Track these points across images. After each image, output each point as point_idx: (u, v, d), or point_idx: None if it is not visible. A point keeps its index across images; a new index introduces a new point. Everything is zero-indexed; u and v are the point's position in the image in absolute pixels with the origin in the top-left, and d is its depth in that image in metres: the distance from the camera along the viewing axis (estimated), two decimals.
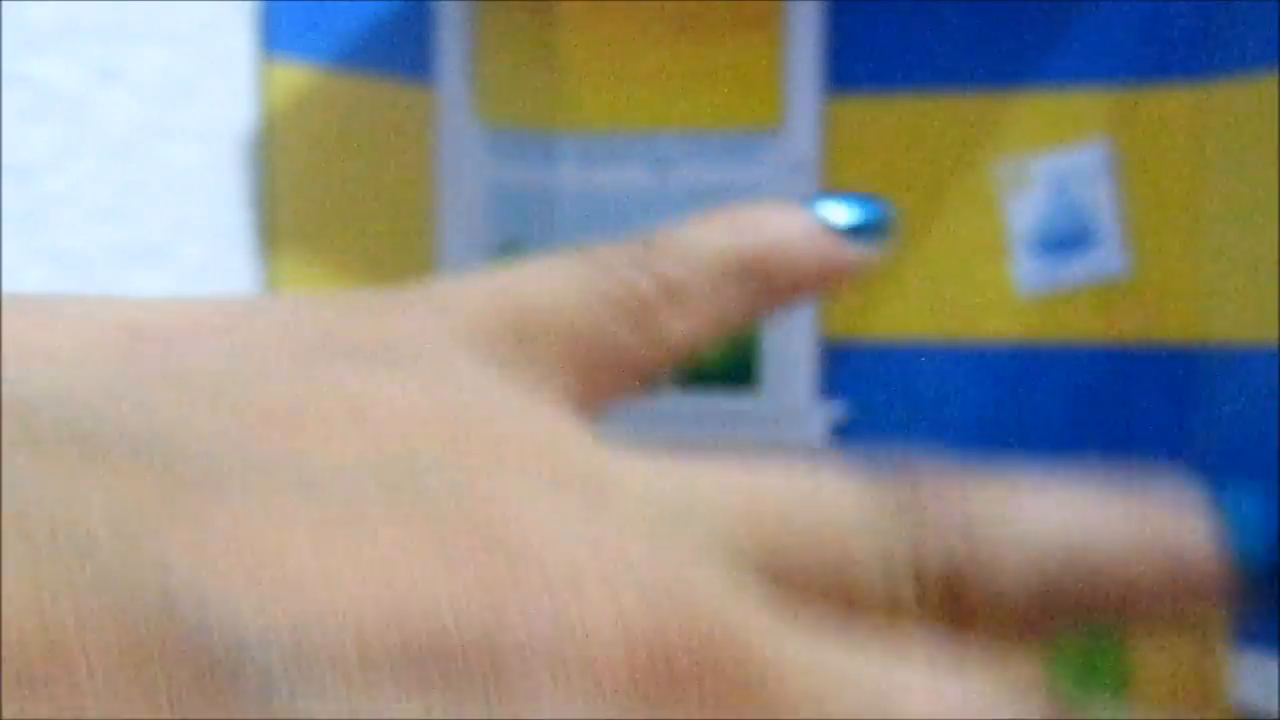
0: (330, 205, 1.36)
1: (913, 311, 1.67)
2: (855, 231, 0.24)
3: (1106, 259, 1.50)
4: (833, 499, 0.19)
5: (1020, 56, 1.52)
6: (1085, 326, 1.51)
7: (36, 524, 0.13)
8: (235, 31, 1.16)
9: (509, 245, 1.58)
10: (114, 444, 0.14)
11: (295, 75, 1.29)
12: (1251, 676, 1.42)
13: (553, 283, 0.20)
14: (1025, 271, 1.50)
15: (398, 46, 1.45)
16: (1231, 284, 1.43)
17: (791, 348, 1.75)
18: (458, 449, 0.15)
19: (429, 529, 0.14)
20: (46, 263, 0.93)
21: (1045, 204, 1.51)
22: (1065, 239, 1.51)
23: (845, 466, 0.20)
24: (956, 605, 0.19)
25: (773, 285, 0.23)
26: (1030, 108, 1.51)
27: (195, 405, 0.15)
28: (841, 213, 0.24)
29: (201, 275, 1.09)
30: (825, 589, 0.19)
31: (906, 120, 1.55)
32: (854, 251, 0.24)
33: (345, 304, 0.18)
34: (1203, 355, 1.47)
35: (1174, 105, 1.47)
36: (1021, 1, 1.50)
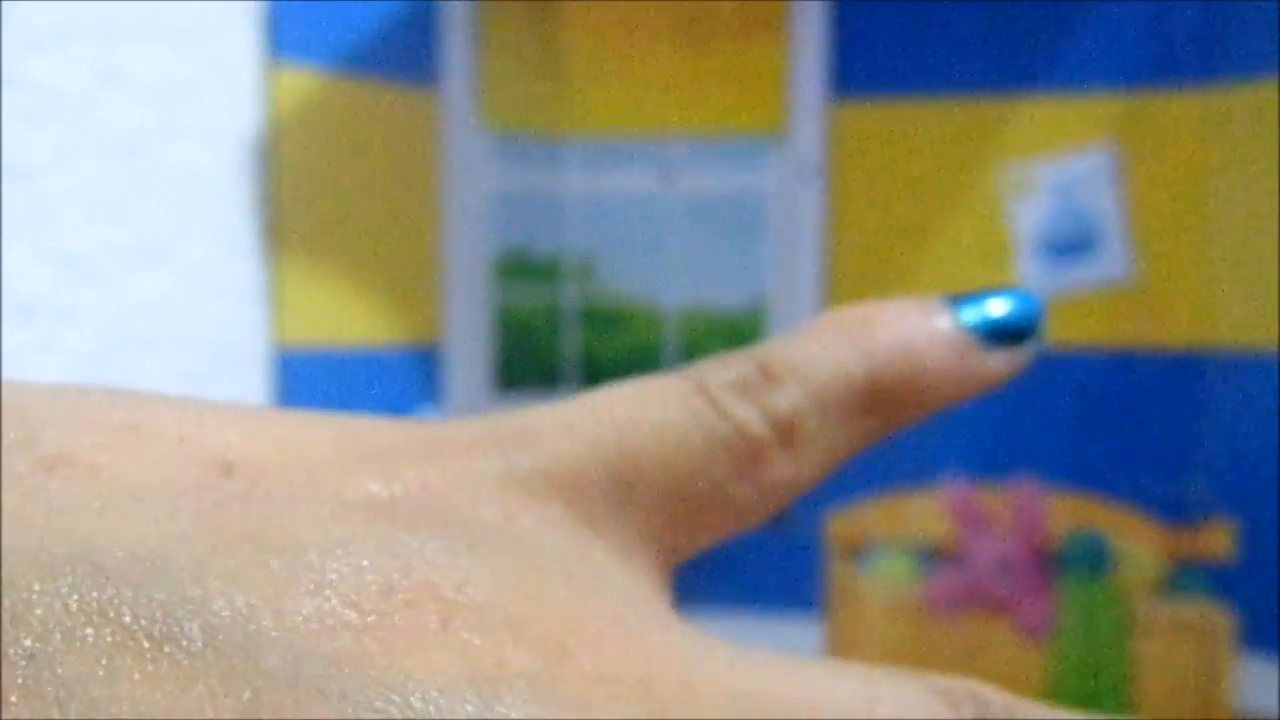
0: (334, 208, 1.36)
1: None
2: (1000, 334, 0.21)
3: (1111, 264, 1.50)
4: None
5: (1025, 61, 1.52)
6: (1090, 331, 1.50)
7: None
8: (240, 34, 1.16)
9: (513, 249, 1.58)
10: (193, 635, 0.13)
11: (300, 79, 1.29)
12: (1255, 680, 1.42)
13: (659, 422, 0.19)
14: (1030, 276, 1.50)
15: (403, 51, 1.45)
16: (1237, 289, 1.43)
17: None
18: (546, 667, 0.15)
19: None
20: (48, 264, 0.93)
21: (1050, 209, 1.51)
22: (1070, 244, 1.51)
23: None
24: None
25: (901, 411, 0.21)
26: (1035, 113, 1.51)
27: (282, 588, 0.14)
28: (984, 313, 0.21)
29: (204, 277, 1.09)
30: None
31: (911, 125, 1.54)
32: (998, 362, 0.21)
33: (438, 444, 0.18)
34: (1208, 360, 1.46)
35: (1180, 110, 1.47)
36: (1026, 6, 1.50)
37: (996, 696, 0.17)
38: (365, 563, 0.15)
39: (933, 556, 1.55)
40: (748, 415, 0.19)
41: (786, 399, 0.20)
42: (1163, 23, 1.45)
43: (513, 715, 0.14)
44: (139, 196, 1.00)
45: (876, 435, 0.21)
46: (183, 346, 1.09)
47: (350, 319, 1.41)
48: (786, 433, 0.20)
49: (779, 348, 0.21)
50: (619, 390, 0.19)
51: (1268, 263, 1.37)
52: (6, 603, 0.13)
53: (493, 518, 0.17)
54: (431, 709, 0.13)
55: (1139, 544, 1.50)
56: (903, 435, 0.21)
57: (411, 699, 0.13)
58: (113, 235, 0.98)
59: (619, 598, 0.17)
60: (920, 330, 0.21)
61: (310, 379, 1.35)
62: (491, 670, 0.14)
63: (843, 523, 1.55)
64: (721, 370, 0.20)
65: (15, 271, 0.90)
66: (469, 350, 1.57)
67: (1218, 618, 1.47)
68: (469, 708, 0.14)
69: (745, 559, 1.56)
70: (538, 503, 0.17)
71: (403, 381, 1.49)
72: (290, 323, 1.31)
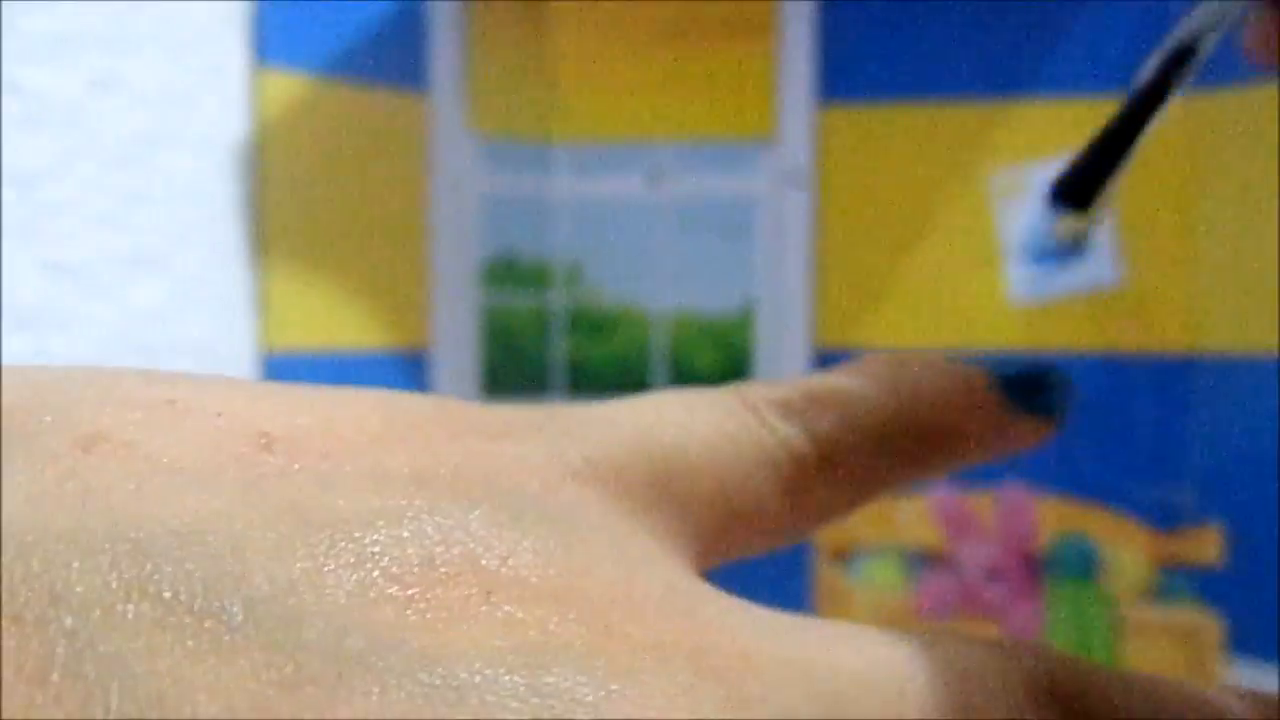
0: (322, 213, 1.36)
1: (905, 321, 1.67)
2: (1030, 397, 0.22)
3: (1100, 269, 1.50)
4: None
5: (1014, 66, 1.52)
6: (1079, 336, 1.51)
7: (144, 708, 0.12)
8: (228, 40, 1.16)
9: (501, 254, 1.58)
10: (234, 610, 0.13)
11: (288, 84, 1.29)
12: (1243, 684, 1.42)
13: (705, 427, 0.19)
14: (1019, 281, 1.50)
15: (390, 55, 1.44)
16: (1226, 294, 1.43)
17: (783, 356, 1.75)
18: (592, 639, 0.14)
19: None
20: (42, 271, 0.92)
21: (1039, 213, 1.51)
22: (1059, 249, 1.51)
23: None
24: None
25: (932, 458, 0.21)
26: (1024, 117, 1.51)
27: (323, 561, 0.14)
28: (1014, 380, 0.22)
29: (195, 283, 1.09)
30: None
31: (900, 130, 1.55)
32: (1027, 428, 0.22)
33: (480, 421, 0.18)
34: (1197, 365, 1.47)
35: (1169, 115, 1.47)
36: (1014, 11, 1.50)
37: (1058, 654, 0.17)
38: (406, 535, 0.15)
39: (921, 561, 1.55)
40: (792, 432, 0.20)
41: (829, 423, 0.20)
42: (1151, 27, 1.45)
43: (561, 685, 0.14)
44: (132, 204, 1.00)
45: (906, 478, 0.21)
46: (174, 352, 1.09)
47: (338, 324, 1.41)
48: (827, 456, 0.20)
49: (822, 378, 0.21)
50: (666, 395, 0.20)
51: (1256, 268, 1.37)
52: (46, 581, 0.13)
53: (536, 492, 0.17)
54: (477, 680, 0.13)
55: (1127, 549, 1.51)
56: None
57: (457, 671, 0.13)
58: (106, 243, 0.98)
59: (666, 573, 0.17)
60: (956, 384, 0.21)
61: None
62: (537, 642, 0.14)
63: (831, 527, 1.55)
64: (767, 389, 0.20)
65: (8, 278, 0.89)
66: (457, 355, 1.57)
67: (1206, 622, 1.47)
68: (515, 679, 0.13)
69: (732, 563, 1.55)
70: (580, 486, 0.17)
71: (391, 386, 1.48)
72: (279, 328, 1.31)
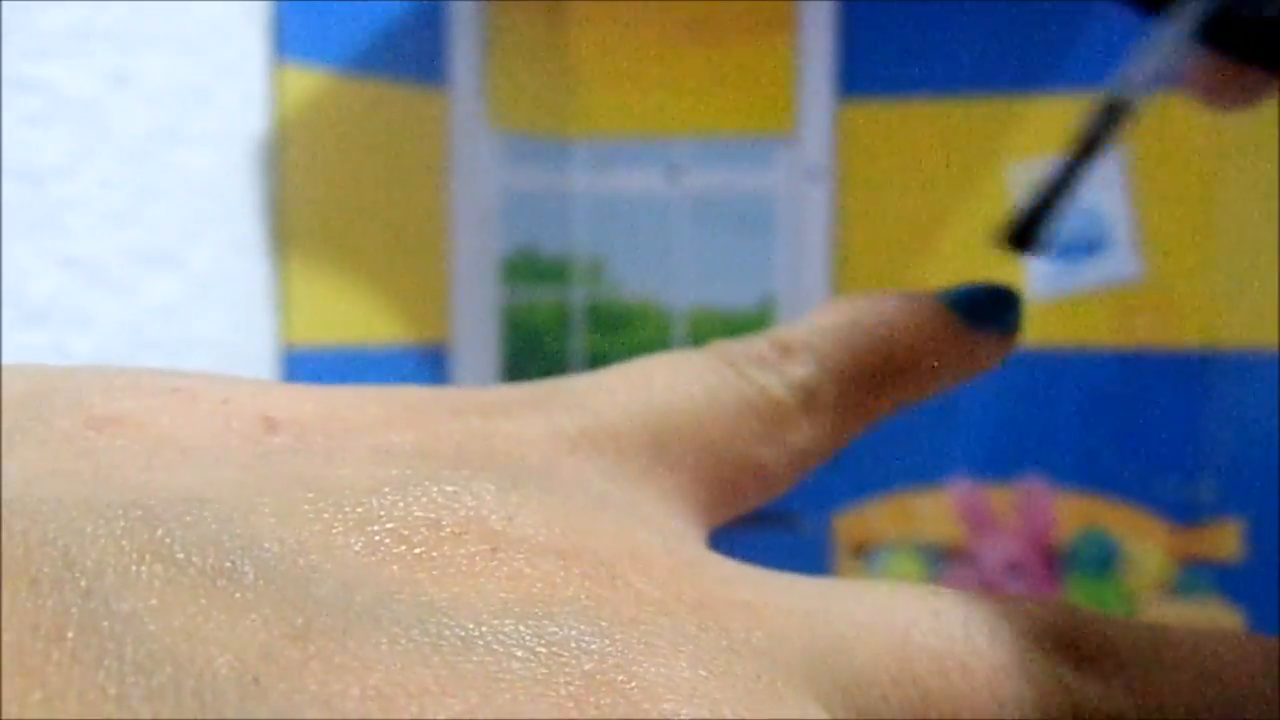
0: (341, 208, 1.36)
1: None
2: (984, 319, 0.23)
3: (1120, 263, 1.50)
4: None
5: (1033, 61, 1.51)
6: (1098, 331, 1.50)
7: (158, 662, 0.12)
8: (247, 35, 1.16)
9: (521, 249, 1.58)
10: (245, 570, 0.13)
11: (307, 79, 1.29)
12: None
13: (689, 387, 0.20)
14: (1038, 276, 1.50)
15: (410, 51, 1.45)
16: (1246, 289, 1.43)
17: None
18: (597, 592, 0.15)
19: (568, 695, 0.13)
20: (57, 268, 0.93)
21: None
22: (1079, 243, 1.51)
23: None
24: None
25: (905, 389, 0.22)
26: (1043, 112, 1.50)
27: (330, 524, 0.14)
28: (968, 302, 0.23)
29: (213, 280, 1.10)
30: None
31: (920, 125, 1.54)
32: (988, 346, 0.23)
33: (478, 402, 0.18)
34: (1217, 360, 1.46)
35: (1189, 110, 1.46)
36: (1034, 5, 1.50)
37: (1071, 606, 0.17)
38: (411, 499, 0.15)
39: (941, 556, 1.55)
40: (770, 381, 0.20)
41: (803, 369, 0.21)
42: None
43: (567, 635, 0.14)
44: (148, 200, 1.00)
45: (884, 412, 0.22)
46: (192, 349, 1.09)
47: (358, 319, 1.41)
48: (806, 399, 0.21)
49: (790, 328, 0.22)
50: (652, 360, 0.20)
51: (1277, 263, 1.37)
52: (60, 545, 0.13)
53: (537, 465, 0.17)
54: (484, 630, 0.14)
55: (1147, 544, 1.50)
56: (910, 434, 0.23)
57: (464, 622, 0.14)
58: (122, 239, 0.98)
59: (667, 533, 0.17)
60: (918, 314, 0.22)
61: (318, 379, 1.35)
62: (543, 594, 0.14)
63: (850, 523, 1.55)
64: (741, 345, 0.21)
65: (24, 275, 0.90)
66: (477, 350, 1.57)
67: (1225, 618, 1.47)
68: (521, 629, 0.14)
69: (753, 559, 1.55)
70: (579, 457, 0.18)
71: (411, 381, 1.48)
72: (298, 323, 1.31)
